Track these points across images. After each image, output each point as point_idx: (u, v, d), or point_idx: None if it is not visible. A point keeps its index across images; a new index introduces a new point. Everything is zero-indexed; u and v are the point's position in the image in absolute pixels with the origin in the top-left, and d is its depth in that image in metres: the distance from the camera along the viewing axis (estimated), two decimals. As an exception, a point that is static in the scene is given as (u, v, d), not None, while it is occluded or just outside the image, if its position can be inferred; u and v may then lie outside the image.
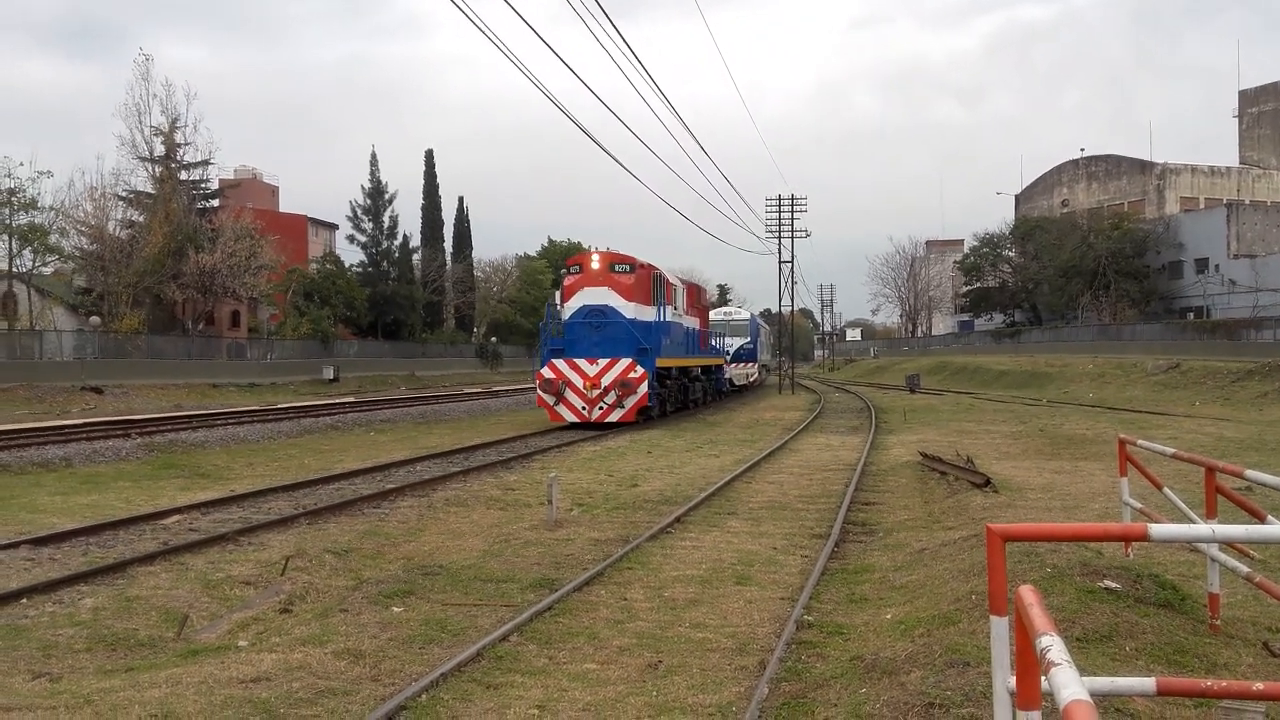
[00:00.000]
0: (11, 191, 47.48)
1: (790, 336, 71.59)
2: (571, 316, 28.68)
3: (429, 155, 79.33)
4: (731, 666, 6.83)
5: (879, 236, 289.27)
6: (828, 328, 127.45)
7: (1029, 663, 3.29)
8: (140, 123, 54.45)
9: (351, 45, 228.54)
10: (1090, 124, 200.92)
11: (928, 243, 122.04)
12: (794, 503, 14.22)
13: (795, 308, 68.70)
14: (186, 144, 56.43)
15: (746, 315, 60.11)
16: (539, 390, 28.39)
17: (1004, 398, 44.43)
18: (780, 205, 60.10)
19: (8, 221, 48.06)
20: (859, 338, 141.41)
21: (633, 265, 29.13)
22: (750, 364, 55.85)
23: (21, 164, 62.20)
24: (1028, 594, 3.39)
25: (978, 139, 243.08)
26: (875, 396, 48.19)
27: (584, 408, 27.72)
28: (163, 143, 55.33)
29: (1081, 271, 68.35)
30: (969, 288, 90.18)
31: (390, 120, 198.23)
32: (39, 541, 10.80)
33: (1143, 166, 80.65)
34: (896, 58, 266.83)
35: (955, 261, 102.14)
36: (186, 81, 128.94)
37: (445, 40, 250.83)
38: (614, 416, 27.63)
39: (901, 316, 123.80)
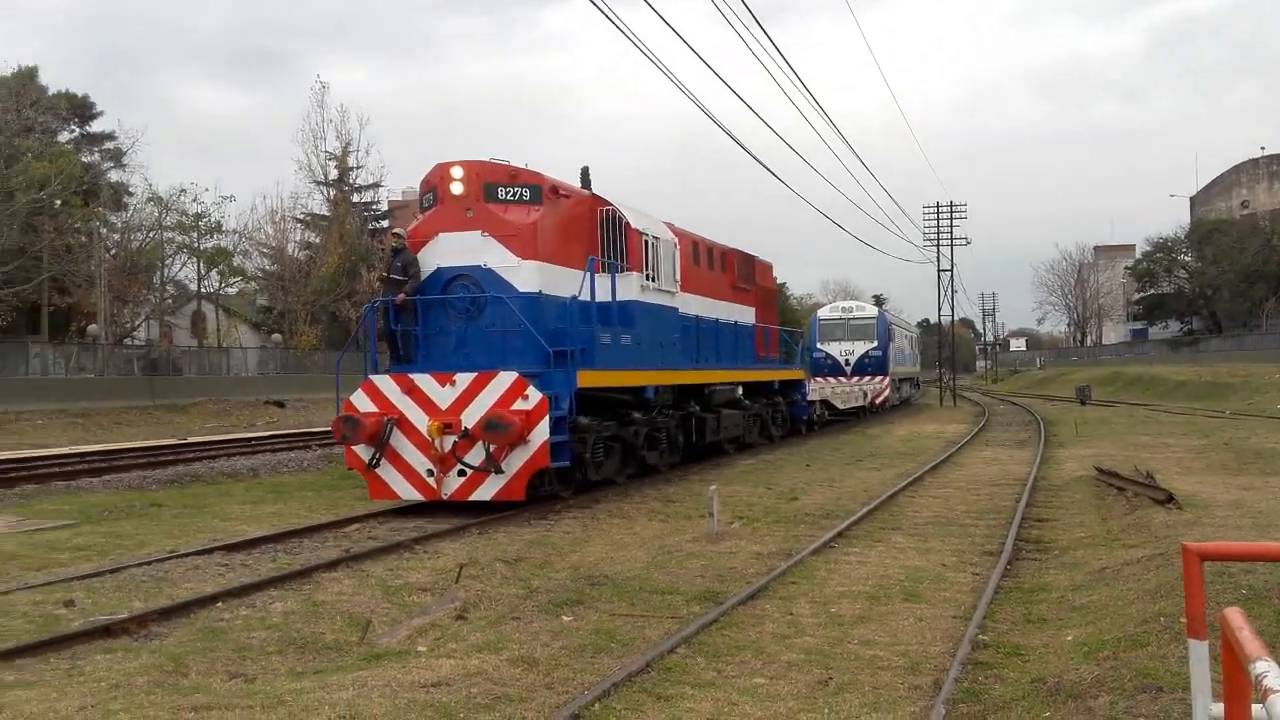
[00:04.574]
0: (199, 216, 50.73)
1: (951, 347, 69.30)
2: (417, 289, 15.13)
3: (584, 172, 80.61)
4: (905, 686, 6.70)
5: (1044, 243, 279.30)
6: (990, 338, 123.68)
7: (1238, 688, 3.14)
8: (316, 148, 57.42)
9: (505, 62, 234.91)
10: (1268, 120, 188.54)
11: (1096, 248, 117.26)
12: (961, 518, 13.84)
13: (955, 317, 67.06)
14: (359, 168, 59.23)
15: (872, 312, 45.56)
16: (339, 437, 14.52)
17: (1183, 409, 42.15)
18: (939, 212, 58.86)
19: (196, 245, 51.32)
20: (1023, 348, 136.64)
21: (538, 188, 15.23)
22: (876, 377, 41.36)
23: (207, 189, 66.43)
24: (1236, 617, 3.24)
25: (1147, 140, 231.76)
26: (1043, 409, 46.47)
27: (429, 472, 14.04)
28: (336, 166, 58.19)
29: (1265, 276, 64.47)
30: (1142, 295, 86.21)
31: (544, 136, 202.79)
32: (231, 548, 11.47)
33: (1331, 163, 75.47)
34: (1056, 56, 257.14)
35: (1126, 267, 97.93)
36: (360, 107, 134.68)
37: (594, 54, 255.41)
38: (483, 492, 13.92)
39: (1069, 325, 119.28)
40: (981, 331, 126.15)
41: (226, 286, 55.79)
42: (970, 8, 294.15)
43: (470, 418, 13.90)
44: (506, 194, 15.11)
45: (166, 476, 18.50)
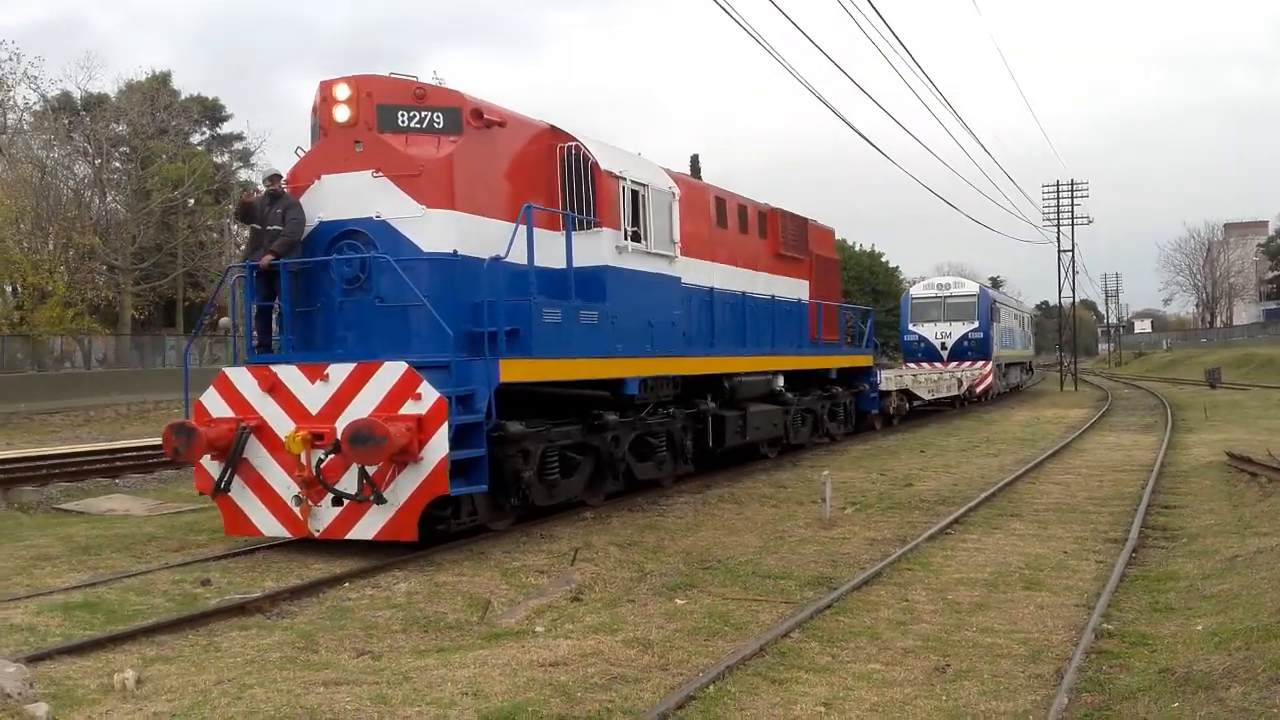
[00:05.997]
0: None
1: (1073, 329, 67.17)
2: (291, 247, 11.39)
3: (694, 160, 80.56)
4: (1025, 674, 6.59)
5: (1170, 221, 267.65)
6: (1113, 319, 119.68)
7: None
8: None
9: (616, 54, 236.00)
10: None
11: (1226, 225, 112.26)
12: (1083, 505, 13.49)
13: (1076, 299, 65.02)
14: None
15: (972, 289, 39.44)
16: (170, 452, 10.80)
17: (1323, 393, 40.15)
18: (1059, 190, 57.11)
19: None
20: (1149, 329, 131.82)
21: (456, 112, 11.32)
22: (977, 363, 36.32)
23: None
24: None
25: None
26: (1169, 393, 44.78)
27: (296, 499, 10.42)
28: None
29: None
30: (1276, 273, 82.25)
31: (651, 129, 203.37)
32: (357, 530, 11.83)
33: None
34: (1184, 28, 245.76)
35: (1259, 245, 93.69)
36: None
37: (697, 42, 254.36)
38: (364, 528, 10.28)
39: (1197, 306, 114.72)
40: (1104, 314, 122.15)
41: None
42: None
43: (345, 423, 10.02)
44: (410, 120, 11.17)
45: (293, 462, 19.17)
